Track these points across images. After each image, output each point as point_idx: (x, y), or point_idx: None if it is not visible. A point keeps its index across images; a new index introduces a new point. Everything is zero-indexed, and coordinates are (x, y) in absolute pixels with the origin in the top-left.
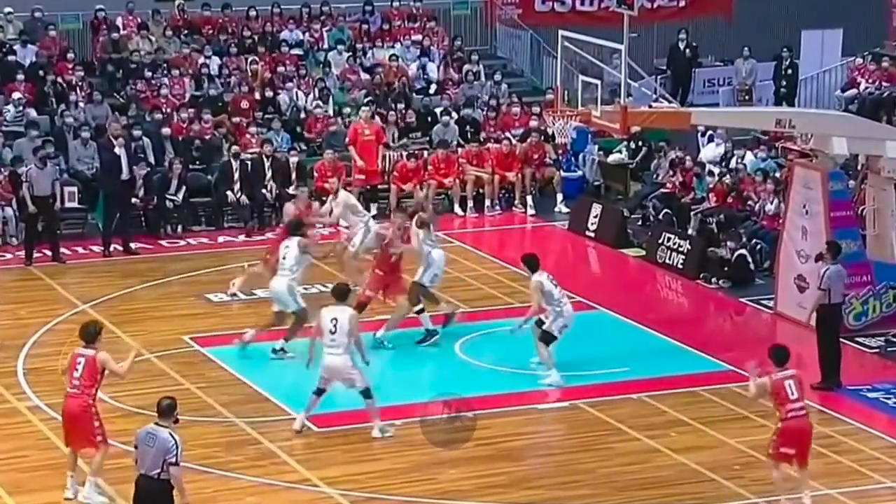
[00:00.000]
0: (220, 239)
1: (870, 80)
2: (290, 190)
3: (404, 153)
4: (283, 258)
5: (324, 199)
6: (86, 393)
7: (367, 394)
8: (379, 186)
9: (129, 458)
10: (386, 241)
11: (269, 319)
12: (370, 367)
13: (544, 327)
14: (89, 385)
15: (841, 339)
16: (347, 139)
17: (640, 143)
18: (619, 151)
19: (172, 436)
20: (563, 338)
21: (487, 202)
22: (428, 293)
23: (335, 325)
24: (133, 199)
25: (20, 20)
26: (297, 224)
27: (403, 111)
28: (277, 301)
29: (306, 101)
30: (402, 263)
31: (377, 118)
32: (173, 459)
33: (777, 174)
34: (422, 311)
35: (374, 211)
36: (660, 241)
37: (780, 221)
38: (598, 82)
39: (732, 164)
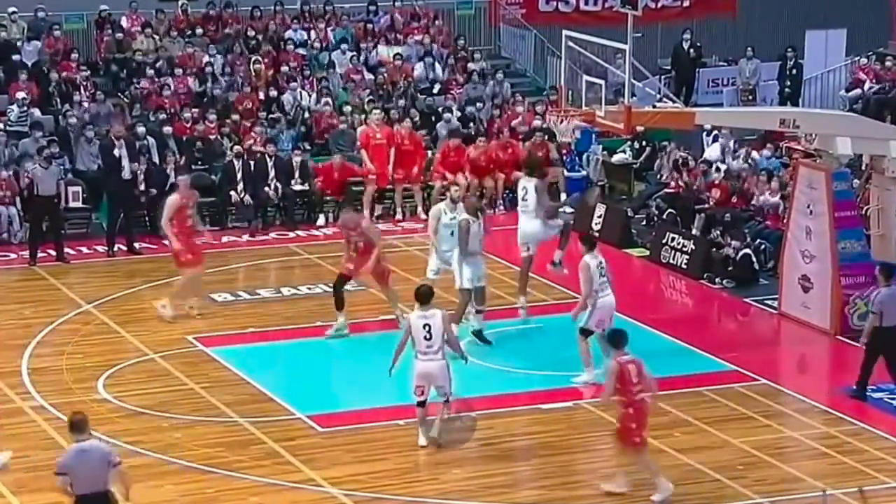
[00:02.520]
0: (224, 239)
1: (874, 80)
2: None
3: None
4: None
5: (325, 198)
6: None
7: (447, 400)
8: (388, 189)
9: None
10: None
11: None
12: (371, 365)
13: (581, 325)
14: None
15: (849, 342)
16: (359, 143)
17: (643, 143)
18: (623, 151)
19: (100, 440)
20: (555, 331)
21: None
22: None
23: (429, 332)
24: (139, 199)
25: (24, 20)
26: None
27: (408, 110)
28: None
29: (310, 101)
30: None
31: (386, 121)
32: (117, 460)
33: (781, 174)
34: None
35: (378, 211)
36: (664, 241)
37: (785, 221)
38: (602, 82)
39: (737, 163)
